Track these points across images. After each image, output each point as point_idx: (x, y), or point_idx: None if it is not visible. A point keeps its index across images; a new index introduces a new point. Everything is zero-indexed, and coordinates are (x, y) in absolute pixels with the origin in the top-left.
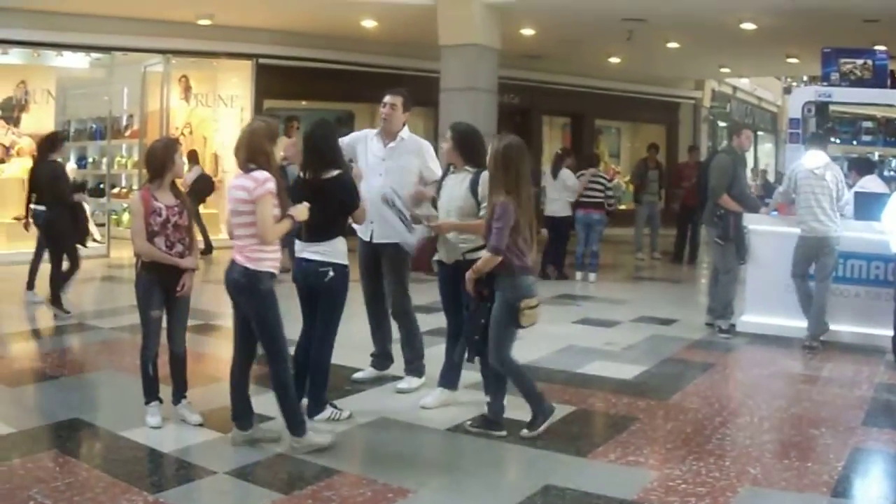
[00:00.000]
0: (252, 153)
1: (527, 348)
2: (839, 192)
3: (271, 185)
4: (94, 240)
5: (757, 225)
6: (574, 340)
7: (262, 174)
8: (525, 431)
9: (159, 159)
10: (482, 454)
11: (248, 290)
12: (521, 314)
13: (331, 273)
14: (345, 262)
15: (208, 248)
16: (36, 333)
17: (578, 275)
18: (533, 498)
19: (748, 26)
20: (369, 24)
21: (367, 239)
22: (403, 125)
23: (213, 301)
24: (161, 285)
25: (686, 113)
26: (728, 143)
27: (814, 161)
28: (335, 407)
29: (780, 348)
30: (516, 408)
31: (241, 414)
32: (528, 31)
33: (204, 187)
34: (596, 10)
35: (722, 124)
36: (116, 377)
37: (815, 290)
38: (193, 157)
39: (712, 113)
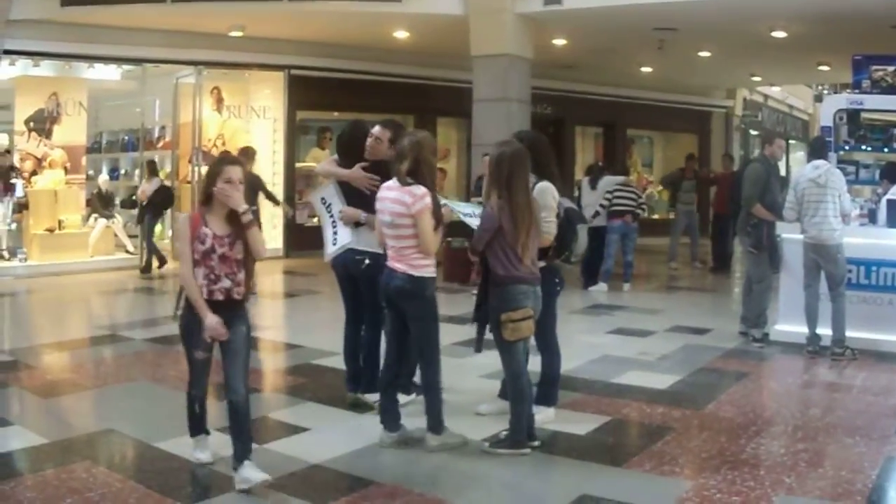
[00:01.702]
0: (417, 164)
1: (563, 358)
2: (842, 199)
3: (429, 199)
4: (128, 251)
5: (790, 234)
6: (609, 350)
7: (419, 189)
8: (486, 444)
9: (207, 182)
10: (518, 464)
11: (414, 295)
12: (502, 327)
13: (367, 261)
14: (379, 250)
15: (161, 262)
16: (69, 344)
17: (605, 286)
18: None
19: (779, 34)
20: (401, 35)
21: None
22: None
23: None
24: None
25: (718, 122)
26: (760, 151)
27: (815, 170)
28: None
29: (814, 357)
30: (560, 420)
31: (392, 418)
32: (559, 41)
33: (164, 200)
34: (627, 19)
35: (754, 133)
36: (150, 388)
37: (832, 300)
38: (153, 169)
39: (744, 122)
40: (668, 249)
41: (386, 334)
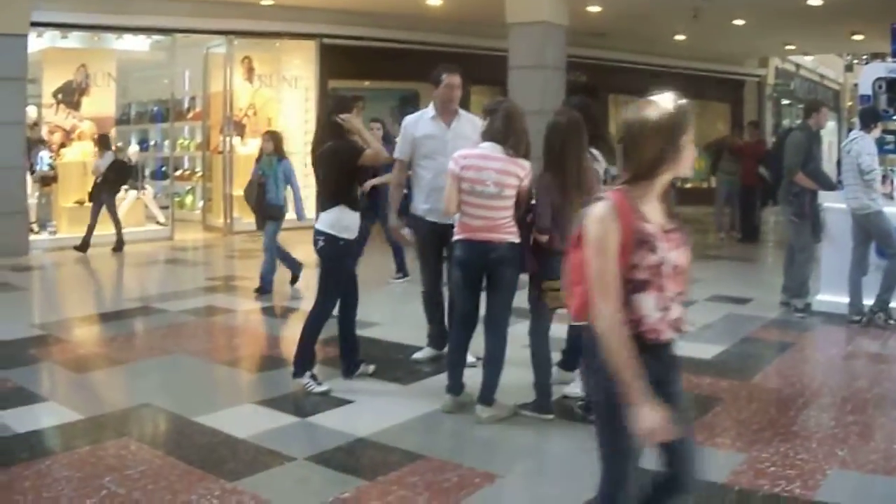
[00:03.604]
0: (520, 135)
1: None
2: (861, 163)
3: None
4: (158, 222)
5: (832, 203)
6: None
7: (526, 163)
8: (515, 405)
9: (655, 140)
10: (568, 437)
11: (514, 260)
12: (544, 294)
13: (321, 242)
14: (336, 233)
15: (119, 245)
16: (100, 318)
17: None
18: None
19: (814, 2)
20: (434, 2)
21: (431, 219)
22: None
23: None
24: (659, 385)
25: (750, 91)
26: (803, 120)
27: (846, 140)
28: (315, 380)
29: (857, 327)
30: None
31: (460, 381)
32: (594, 8)
33: (120, 175)
34: None
35: (785, 102)
36: (186, 361)
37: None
38: (104, 142)
39: (776, 91)
40: (715, 220)
41: (462, 307)
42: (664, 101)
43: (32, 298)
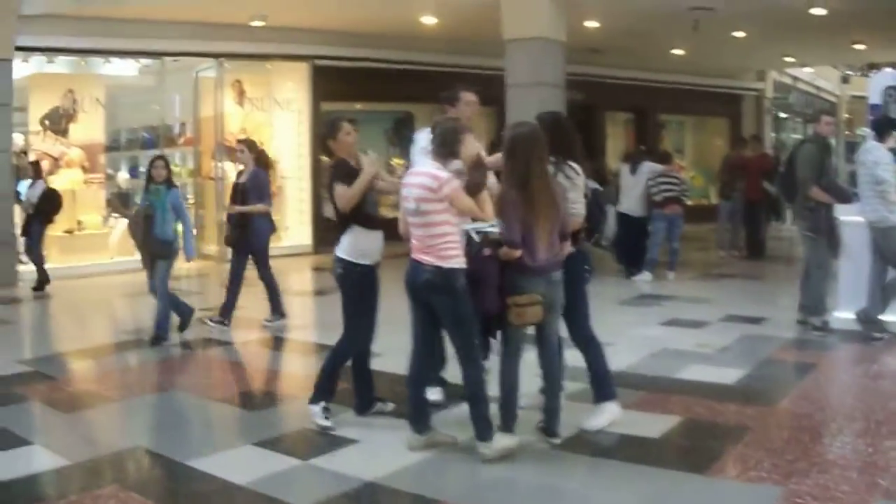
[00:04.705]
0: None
1: (620, 353)
2: (873, 175)
3: (456, 181)
4: None
5: (848, 216)
6: (666, 343)
7: (443, 172)
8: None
9: None
10: (591, 474)
11: (445, 288)
12: (508, 310)
13: (339, 269)
14: (354, 259)
15: (41, 283)
16: (91, 352)
17: (649, 275)
18: None
19: (818, 11)
20: (429, 21)
21: None
22: None
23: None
24: None
25: (749, 105)
26: (814, 132)
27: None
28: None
29: (880, 344)
30: (629, 422)
31: (420, 417)
32: (592, 24)
33: (52, 206)
34: None
35: (783, 115)
36: (181, 399)
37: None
38: (38, 171)
39: (775, 104)
40: (717, 237)
41: (412, 329)
42: None
43: (19, 332)
